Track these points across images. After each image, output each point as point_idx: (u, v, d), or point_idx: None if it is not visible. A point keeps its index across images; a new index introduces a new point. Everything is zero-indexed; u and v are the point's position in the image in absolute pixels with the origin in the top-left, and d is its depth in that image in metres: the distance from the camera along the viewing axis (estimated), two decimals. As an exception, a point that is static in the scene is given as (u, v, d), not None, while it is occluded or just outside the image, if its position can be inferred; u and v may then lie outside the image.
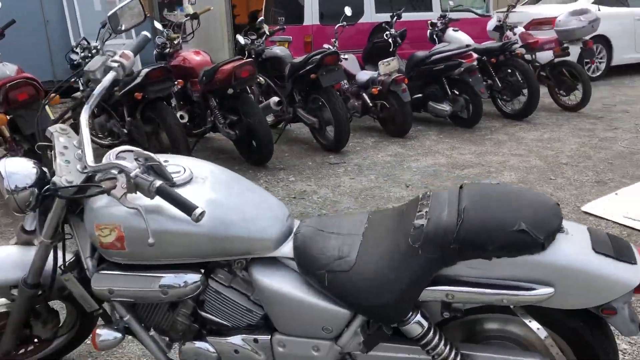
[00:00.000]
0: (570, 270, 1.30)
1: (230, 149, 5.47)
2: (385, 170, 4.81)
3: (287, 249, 1.57)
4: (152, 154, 1.53)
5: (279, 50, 5.93)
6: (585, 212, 3.68)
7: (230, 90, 4.67)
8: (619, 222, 3.47)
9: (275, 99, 5.04)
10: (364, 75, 6.08)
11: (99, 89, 1.78)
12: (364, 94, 5.97)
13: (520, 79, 6.31)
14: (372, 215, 1.65)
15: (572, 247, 1.33)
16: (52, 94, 2.06)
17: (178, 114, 5.00)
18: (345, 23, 6.27)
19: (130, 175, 1.36)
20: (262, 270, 1.56)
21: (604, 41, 8.86)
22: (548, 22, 8.27)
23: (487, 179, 4.48)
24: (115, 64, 1.84)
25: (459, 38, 6.80)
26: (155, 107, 4.46)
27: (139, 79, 4.34)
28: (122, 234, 1.48)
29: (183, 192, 1.52)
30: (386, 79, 5.65)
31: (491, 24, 7.34)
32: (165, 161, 1.68)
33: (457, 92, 6.06)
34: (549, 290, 1.30)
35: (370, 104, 5.91)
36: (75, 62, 5.03)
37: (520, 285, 1.33)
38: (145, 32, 1.99)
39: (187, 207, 1.32)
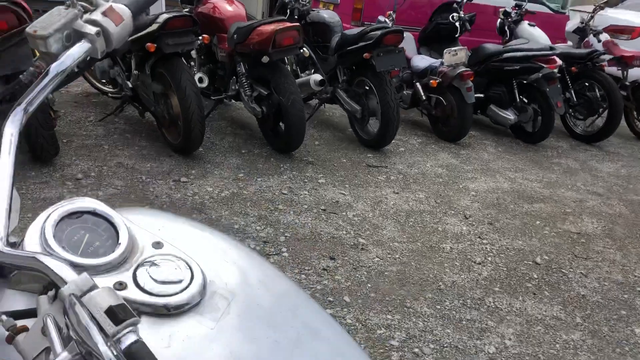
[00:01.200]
0: None
1: (252, 125, 4.56)
2: (437, 187, 3.92)
3: None
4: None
5: (326, 14, 4.95)
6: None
7: (265, 59, 3.74)
8: None
9: (318, 77, 4.11)
10: (421, 61, 5.12)
11: (49, 75, 0.92)
12: (417, 84, 5.02)
13: (599, 95, 5.35)
14: None
15: None
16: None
17: (197, 76, 4.08)
18: (408, -5, 5.29)
19: (63, 299, 0.54)
20: None
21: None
22: (630, 30, 7.22)
23: (563, 224, 3.60)
24: (92, 29, 0.98)
25: (536, 35, 5.78)
26: (169, 64, 3.54)
27: (154, 26, 3.41)
28: None
29: (179, 329, 0.67)
30: (450, 71, 4.70)
31: (571, 25, 6.29)
32: (157, 244, 0.80)
33: (527, 101, 5.11)
34: None
35: (423, 97, 4.97)
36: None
37: None
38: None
39: None
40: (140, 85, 3.77)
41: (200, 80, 4.14)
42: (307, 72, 4.98)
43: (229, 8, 4.33)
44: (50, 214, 0.77)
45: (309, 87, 4.17)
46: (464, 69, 4.65)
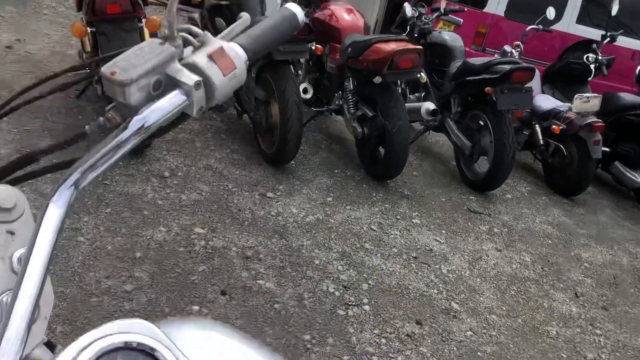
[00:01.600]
0: None
1: (349, 142, 4.27)
2: (545, 251, 3.45)
3: None
4: None
5: (448, 37, 4.57)
6: None
7: (377, 79, 3.44)
8: None
9: (430, 106, 3.75)
10: (545, 102, 4.62)
11: (123, 134, 0.67)
12: (536, 126, 4.53)
13: None
14: None
15: None
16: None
17: (302, 86, 3.84)
18: (541, 26, 4.80)
19: None
20: None
21: None
22: None
23: (694, 324, 3.03)
24: (191, 78, 0.73)
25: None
26: (276, 71, 3.32)
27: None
28: None
29: None
30: (577, 119, 4.18)
31: None
32: None
33: (661, 164, 4.48)
34: None
35: (541, 142, 4.48)
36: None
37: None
38: None
39: None
40: (243, 88, 3.59)
41: (305, 91, 3.90)
42: (416, 94, 4.63)
43: (347, 17, 4.05)
44: (87, 346, 0.52)
45: (418, 115, 3.83)
46: (594, 119, 4.12)
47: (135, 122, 0.67)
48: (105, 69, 0.67)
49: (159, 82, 0.70)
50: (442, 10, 4.58)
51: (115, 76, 0.66)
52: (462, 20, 4.89)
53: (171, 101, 0.69)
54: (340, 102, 3.89)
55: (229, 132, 3.92)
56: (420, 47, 3.51)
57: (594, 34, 5.54)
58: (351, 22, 4.03)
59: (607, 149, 4.57)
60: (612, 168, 4.66)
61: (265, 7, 3.80)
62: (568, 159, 4.32)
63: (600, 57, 4.86)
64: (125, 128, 0.67)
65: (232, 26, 0.83)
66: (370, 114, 3.63)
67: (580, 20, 5.92)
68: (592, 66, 4.86)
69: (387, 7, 8.96)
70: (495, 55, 4.67)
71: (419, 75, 3.80)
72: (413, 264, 2.89)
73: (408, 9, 4.42)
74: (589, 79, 4.92)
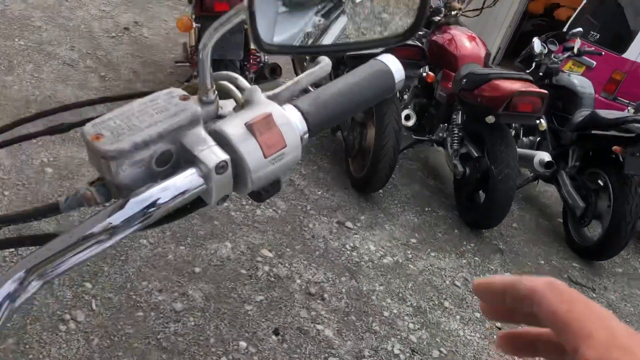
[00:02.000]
0: None
1: (446, 178, 3.93)
2: (656, 347, 2.94)
3: None
4: None
5: (577, 81, 4.07)
6: None
7: (490, 118, 3.09)
8: None
9: (545, 157, 3.34)
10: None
11: (105, 227, 0.42)
12: (665, 195, 3.93)
13: None
14: None
15: None
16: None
17: (404, 112, 3.55)
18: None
19: None
20: None
21: None
22: None
23: None
24: (216, 156, 0.48)
25: None
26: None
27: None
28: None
29: None
30: None
31: None
32: None
33: None
34: None
35: (668, 214, 3.88)
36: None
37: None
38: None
39: None
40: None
41: (407, 117, 3.61)
42: (531, 137, 4.19)
43: (467, 45, 3.71)
44: None
45: (530, 164, 3.42)
46: None
47: (133, 204, 0.45)
48: (89, 128, 0.45)
49: (168, 154, 0.47)
50: (575, 51, 4.11)
51: (98, 142, 0.44)
52: (595, 62, 4.38)
53: (184, 183, 0.46)
54: (445, 135, 3.57)
55: (319, 147, 3.72)
56: (544, 91, 3.11)
57: None
58: (471, 51, 3.69)
59: None
60: None
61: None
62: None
63: None
64: (121, 208, 0.45)
65: (298, 77, 0.59)
66: (476, 154, 3.28)
67: None
68: None
69: (512, 35, 8.44)
70: (629, 108, 4.12)
71: (537, 122, 3.39)
72: (495, 336, 2.53)
73: (537, 45, 3.99)
74: None
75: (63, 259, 0.42)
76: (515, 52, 7.82)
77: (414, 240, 3.06)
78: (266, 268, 2.41)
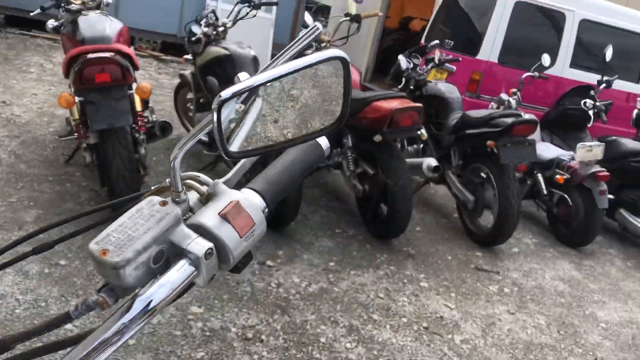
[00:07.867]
0: None
1: (349, 199, 4.14)
2: (559, 311, 3.29)
3: None
4: None
5: (444, 88, 4.49)
6: None
7: (377, 137, 3.33)
8: None
9: (432, 162, 3.65)
10: (546, 151, 4.52)
11: (117, 323, 0.51)
12: (539, 175, 4.42)
13: None
14: None
15: None
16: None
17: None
18: (537, 73, 4.75)
19: None
20: None
21: None
22: None
23: None
24: (201, 247, 0.61)
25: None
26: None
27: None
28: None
29: None
30: (581, 169, 4.08)
31: None
32: None
33: (668, 211, 4.38)
34: None
35: (545, 192, 4.36)
36: (193, 39, 3.91)
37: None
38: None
39: None
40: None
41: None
42: (414, 146, 4.53)
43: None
44: None
45: (420, 172, 3.72)
46: (598, 168, 4.03)
47: (139, 303, 0.53)
48: (95, 246, 0.54)
49: (161, 252, 0.56)
50: (437, 61, 4.53)
51: (107, 257, 0.52)
52: (455, 67, 4.83)
53: (179, 274, 0.56)
54: (339, 159, 3.78)
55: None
56: (419, 104, 3.42)
57: (589, 77, 5.51)
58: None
59: (611, 197, 4.46)
60: (617, 215, 4.54)
61: (259, 65, 3.73)
62: (573, 209, 4.20)
63: (598, 103, 4.81)
64: (129, 309, 0.53)
65: (242, 162, 0.70)
66: (371, 172, 3.51)
67: (574, 64, 5.91)
68: (590, 112, 4.80)
69: (377, 52, 8.98)
70: (492, 104, 4.60)
71: (419, 132, 3.70)
72: (425, 336, 2.72)
73: (403, 62, 4.35)
74: (589, 125, 4.86)
75: (93, 354, 0.50)
76: (382, 67, 8.35)
77: (332, 264, 3.21)
78: (199, 324, 2.43)
